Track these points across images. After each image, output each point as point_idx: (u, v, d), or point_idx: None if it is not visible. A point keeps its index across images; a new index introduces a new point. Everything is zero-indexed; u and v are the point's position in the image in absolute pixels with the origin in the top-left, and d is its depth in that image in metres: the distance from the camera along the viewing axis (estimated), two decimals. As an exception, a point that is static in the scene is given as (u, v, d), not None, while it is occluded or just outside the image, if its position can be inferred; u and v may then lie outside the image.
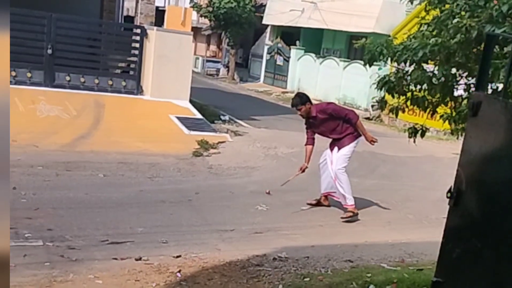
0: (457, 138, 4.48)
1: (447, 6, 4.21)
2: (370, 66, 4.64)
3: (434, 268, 3.31)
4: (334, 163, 6.56)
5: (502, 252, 2.73)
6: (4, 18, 2.09)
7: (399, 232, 6.42)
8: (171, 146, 9.56)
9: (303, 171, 6.74)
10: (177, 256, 5.00)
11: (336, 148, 6.62)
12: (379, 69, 5.73)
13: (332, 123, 6.56)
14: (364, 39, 4.77)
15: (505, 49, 3.76)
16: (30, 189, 6.40)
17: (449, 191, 3.09)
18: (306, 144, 6.77)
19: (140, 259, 4.86)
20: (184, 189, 7.30)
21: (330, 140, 6.73)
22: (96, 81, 11.64)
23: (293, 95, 25.71)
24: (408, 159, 10.60)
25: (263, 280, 4.65)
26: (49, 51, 11.12)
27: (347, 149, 6.56)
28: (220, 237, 5.68)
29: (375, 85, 4.70)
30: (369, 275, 4.87)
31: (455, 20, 3.93)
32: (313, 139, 6.74)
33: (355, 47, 5.14)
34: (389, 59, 4.50)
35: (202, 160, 9.09)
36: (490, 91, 3.92)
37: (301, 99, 6.62)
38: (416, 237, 6.23)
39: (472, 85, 4.31)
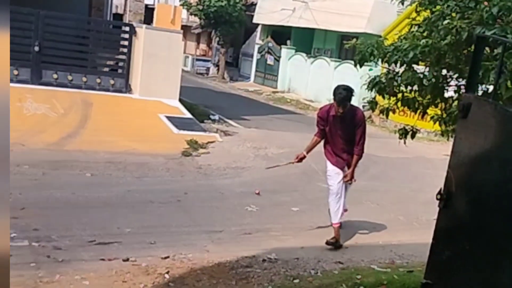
0: (448, 139, 4.48)
1: (437, 7, 4.20)
2: (361, 66, 4.62)
3: (424, 270, 3.30)
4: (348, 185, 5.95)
5: (492, 254, 2.73)
6: (4, 18, 2.04)
7: (389, 233, 6.42)
8: (160, 145, 9.49)
9: (300, 160, 5.99)
10: (166, 257, 4.96)
11: (346, 168, 5.90)
12: (370, 69, 5.66)
13: (352, 129, 5.79)
14: (355, 39, 4.75)
15: (495, 51, 3.75)
16: (16, 189, 6.30)
17: (439, 193, 3.08)
18: (315, 135, 6.00)
19: (127, 260, 4.81)
20: (173, 189, 7.25)
21: (334, 154, 5.90)
22: (84, 79, 11.55)
23: (283, 94, 25.08)
24: (399, 160, 10.62)
25: (252, 282, 4.63)
26: (36, 48, 11.01)
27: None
28: (209, 238, 5.64)
29: (366, 86, 4.68)
30: (359, 276, 4.86)
31: (446, 22, 3.92)
32: (323, 135, 5.94)
33: (346, 47, 5.12)
34: (380, 60, 4.49)
35: (191, 160, 9.04)
36: (480, 92, 3.92)
37: (351, 93, 5.65)
38: (406, 238, 6.24)
39: (462, 87, 4.31)
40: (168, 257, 4.97)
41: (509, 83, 3.47)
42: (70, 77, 11.41)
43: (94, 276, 4.44)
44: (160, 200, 6.68)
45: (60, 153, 8.30)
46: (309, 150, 5.98)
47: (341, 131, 5.78)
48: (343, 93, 5.59)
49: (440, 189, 3.07)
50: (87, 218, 5.74)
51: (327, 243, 5.69)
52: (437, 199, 3.08)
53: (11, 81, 10.64)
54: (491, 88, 3.79)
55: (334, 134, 5.83)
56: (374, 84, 4.61)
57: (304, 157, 5.96)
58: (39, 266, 4.47)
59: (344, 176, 5.78)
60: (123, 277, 4.47)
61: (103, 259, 4.77)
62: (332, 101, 5.96)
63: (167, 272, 4.64)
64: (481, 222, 2.85)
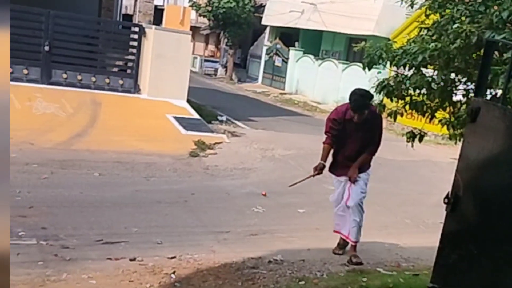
0: (455, 143, 4.47)
1: (447, 11, 4.19)
2: (369, 69, 4.61)
3: (430, 273, 3.30)
4: (357, 188, 5.30)
5: (499, 259, 2.72)
6: (5, 16, 2.06)
7: (395, 236, 6.40)
8: (167, 146, 9.52)
9: (320, 171, 5.30)
10: (172, 257, 4.97)
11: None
12: (378, 72, 5.60)
13: (370, 133, 5.24)
14: (363, 43, 4.75)
15: (505, 55, 3.74)
16: (25, 187, 6.36)
17: (447, 196, 3.08)
18: (325, 143, 5.35)
19: (134, 259, 4.83)
20: (180, 190, 7.27)
21: (340, 164, 5.39)
22: (93, 79, 11.60)
23: (291, 96, 25.03)
24: (406, 163, 10.58)
25: (258, 283, 4.63)
26: (46, 48, 11.08)
27: (367, 173, 5.42)
28: (216, 238, 5.65)
29: (374, 89, 4.68)
30: (364, 279, 4.86)
31: (455, 25, 3.91)
32: (334, 142, 5.35)
33: (354, 50, 5.11)
34: (389, 63, 4.48)
35: (198, 161, 9.06)
36: (489, 97, 3.90)
37: (369, 99, 5.01)
38: (412, 241, 6.22)
39: (471, 91, 4.30)
40: (174, 257, 4.99)
41: (518, 87, 3.45)
42: (79, 77, 11.47)
43: (101, 275, 4.46)
44: (167, 200, 6.70)
45: (68, 153, 8.35)
46: (325, 159, 5.35)
47: (356, 136, 5.18)
48: (359, 101, 4.98)
49: (448, 193, 3.07)
50: (95, 218, 5.77)
51: (334, 252, 5.55)
52: (444, 203, 3.07)
53: (21, 80, 10.73)
54: (500, 92, 3.77)
55: (347, 139, 5.21)
56: (382, 87, 4.60)
57: (324, 166, 5.31)
58: (46, 265, 4.50)
59: (349, 177, 5.27)
60: (129, 277, 4.49)
61: (110, 259, 4.80)
62: (338, 102, 5.70)
63: (174, 272, 4.66)
64: (489, 226, 2.84)
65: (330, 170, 5.47)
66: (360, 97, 5.01)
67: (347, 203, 5.32)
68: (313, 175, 5.35)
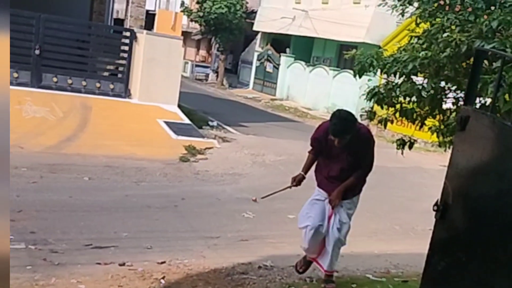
0: (445, 150, 4.52)
1: (437, 20, 4.26)
2: (360, 77, 4.66)
3: (419, 280, 3.32)
4: (336, 220, 4.66)
5: (488, 266, 2.75)
6: (4, 20, 2.06)
7: (385, 243, 6.43)
8: (158, 150, 9.50)
9: (299, 183, 4.69)
10: (162, 262, 4.95)
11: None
12: (369, 79, 5.63)
13: (356, 156, 4.49)
14: (354, 50, 4.79)
15: (494, 64, 3.80)
16: (14, 191, 6.29)
17: (436, 204, 3.10)
18: (309, 152, 4.74)
19: (124, 264, 4.80)
20: (170, 195, 7.25)
21: (324, 179, 4.72)
22: (84, 83, 11.56)
23: (281, 102, 25.03)
24: (396, 169, 10.64)
25: (248, 289, 4.62)
26: (37, 52, 11.03)
27: (353, 201, 4.81)
28: (206, 244, 5.64)
29: (364, 96, 4.72)
30: (354, 285, 4.87)
31: (445, 34, 3.97)
32: (317, 155, 4.72)
33: (345, 57, 5.16)
34: (379, 70, 4.53)
35: (189, 166, 9.05)
36: (478, 105, 3.95)
37: (352, 123, 4.31)
38: (402, 248, 6.25)
39: (460, 99, 4.36)
40: (164, 262, 4.96)
41: (507, 96, 3.51)
42: (70, 81, 11.43)
43: (90, 280, 4.43)
44: (157, 205, 6.68)
45: (58, 157, 8.30)
46: (306, 169, 4.74)
47: (342, 156, 4.49)
48: (339, 125, 4.22)
49: (437, 200, 3.09)
50: (84, 222, 5.73)
51: (296, 269, 4.95)
52: (434, 210, 3.10)
53: (11, 83, 10.65)
54: (489, 101, 3.83)
55: (332, 157, 4.55)
56: (372, 94, 4.65)
57: (303, 178, 4.70)
58: (35, 269, 4.46)
59: (330, 200, 4.61)
60: (119, 282, 4.47)
61: (99, 263, 4.76)
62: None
63: (163, 277, 4.63)
64: (478, 234, 2.87)
65: (317, 177, 4.81)
66: (340, 120, 4.24)
67: (329, 231, 4.64)
68: (290, 187, 4.75)
